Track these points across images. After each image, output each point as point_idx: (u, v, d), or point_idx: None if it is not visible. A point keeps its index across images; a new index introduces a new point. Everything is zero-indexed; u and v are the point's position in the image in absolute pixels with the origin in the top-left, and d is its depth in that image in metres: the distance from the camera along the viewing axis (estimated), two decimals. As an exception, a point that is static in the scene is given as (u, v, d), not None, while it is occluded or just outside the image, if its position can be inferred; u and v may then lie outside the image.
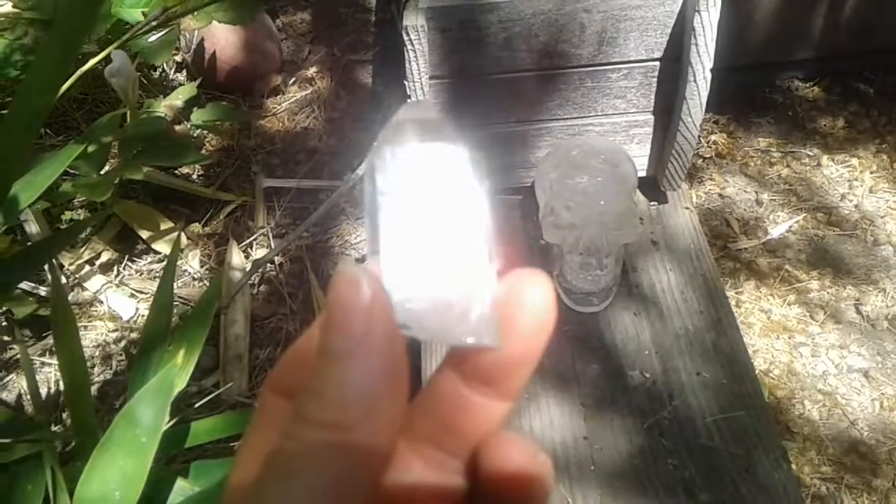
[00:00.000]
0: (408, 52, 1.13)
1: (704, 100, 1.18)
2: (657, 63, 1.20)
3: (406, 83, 1.17)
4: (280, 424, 0.22)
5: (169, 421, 0.89)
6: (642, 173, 1.33)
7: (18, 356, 1.40)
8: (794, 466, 1.25)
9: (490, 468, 0.24)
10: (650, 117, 1.27)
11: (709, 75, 1.15)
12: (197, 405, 1.25)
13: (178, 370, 0.76)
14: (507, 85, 1.23)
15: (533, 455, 0.24)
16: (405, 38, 1.11)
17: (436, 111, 0.25)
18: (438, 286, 0.23)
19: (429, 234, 0.24)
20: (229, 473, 0.24)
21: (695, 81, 1.15)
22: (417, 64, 1.14)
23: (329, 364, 0.21)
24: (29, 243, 1.43)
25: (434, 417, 0.25)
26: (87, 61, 1.13)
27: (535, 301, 0.24)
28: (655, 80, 1.22)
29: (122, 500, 0.65)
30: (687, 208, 1.35)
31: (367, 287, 0.22)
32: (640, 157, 1.31)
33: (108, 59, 1.20)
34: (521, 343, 0.23)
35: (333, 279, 0.22)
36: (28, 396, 1.34)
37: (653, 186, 1.36)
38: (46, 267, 1.44)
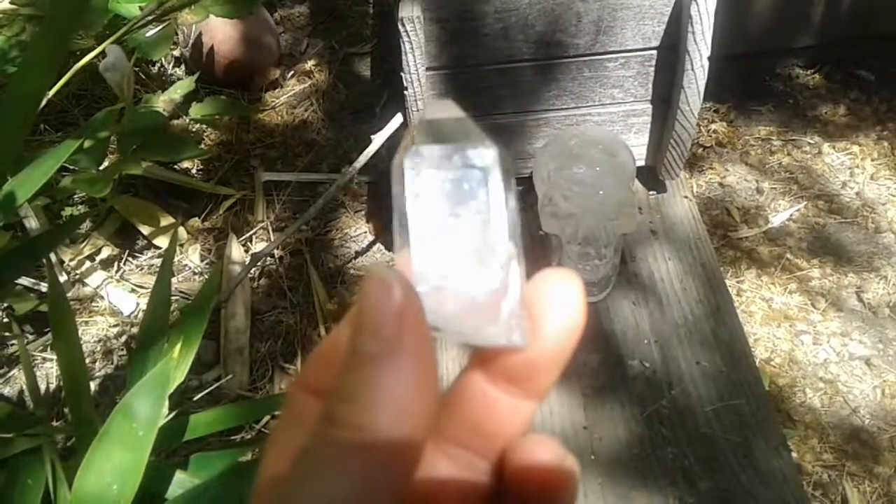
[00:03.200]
0: (404, 43, 1.12)
1: (702, 88, 1.17)
2: (654, 52, 1.20)
3: (402, 75, 1.16)
4: (309, 423, 0.22)
5: (168, 414, 0.89)
6: (641, 163, 1.33)
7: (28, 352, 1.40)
8: (795, 454, 1.25)
9: (517, 469, 0.24)
10: (648, 106, 1.27)
11: (706, 63, 1.14)
12: (198, 398, 1.25)
13: (175, 364, 0.76)
14: (504, 75, 1.23)
15: (561, 457, 0.24)
16: (401, 29, 1.11)
17: (461, 109, 0.25)
18: (467, 288, 0.23)
19: (457, 235, 0.23)
20: (258, 472, 0.24)
21: (692, 70, 1.15)
22: (413, 55, 1.14)
23: (359, 366, 0.21)
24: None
25: (460, 417, 0.25)
26: (84, 57, 1.13)
27: (564, 301, 0.23)
28: (653, 69, 1.22)
29: (120, 493, 0.65)
30: (686, 197, 1.35)
31: (399, 289, 0.21)
32: (638, 146, 1.31)
33: (104, 55, 1.20)
34: (549, 343, 0.23)
35: (364, 280, 0.22)
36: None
37: (651, 176, 1.36)
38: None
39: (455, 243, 0.23)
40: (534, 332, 0.23)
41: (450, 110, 0.25)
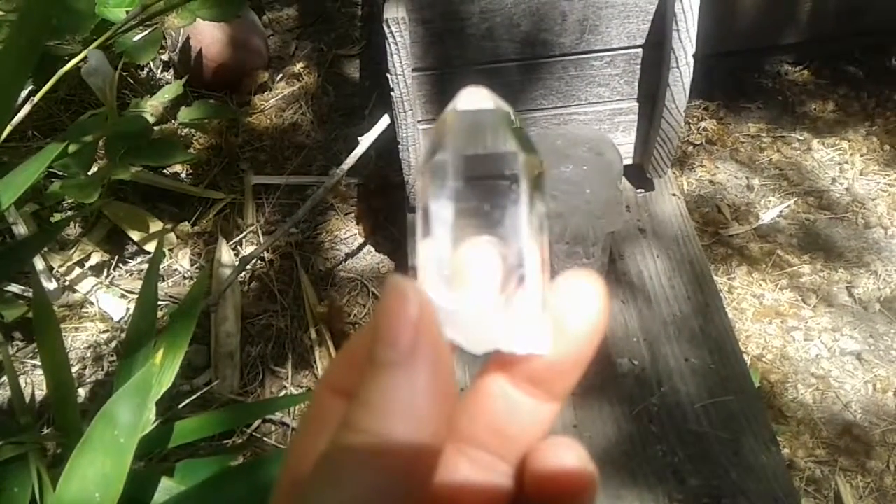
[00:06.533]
0: (389, 44, 1.12)
1: (688, 86, 1.17)
2: (640, 50, 1.20)
3: (388, 76, 1.16)
4: (332, 425, 0.23)
5: (156, 420, 0.89)
6: (628, 161, 1.33)
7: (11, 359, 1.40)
8: (787, 450, 1.25)
9: (540, 471, 0.24)
10: (634, 104, 1.27)
11: (691, 61, 1.14)
12: (186, 403, 1.25)
13: (158, 369, 0.76)
14: (490, 75, 1.23)
15: (585, 461, 0.24)
16: (386, 30, 1.11)
17: (495, 101, 0.24)
18: (488, 295, 0.23)
19: (479, 242, 0.23)
20: (280, 473, 0.25)
21: (678, 67, 1.15)
22: (399, 56, 1.13)
23: (377, 374, 0.22)
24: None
25: (480, 419, 0.25)
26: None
27: (586, 304, 0.24)
28: (639, 67, 1.22)
29: (103, 500, 0.65)
30: (674, 195, 1.35)
31: (415, 300, 0.22)
32: (625, 144, 1.31)
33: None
34: (571, 346, 0.23)
35: (382, 291, 0.22)
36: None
37: (639, 174, 1.36)
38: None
39: (476, 251, 0.23)
40: (556, 335, 0.23)
41: (482, 100, 0.24)
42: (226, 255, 1.55)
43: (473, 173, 0.24)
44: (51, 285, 1.50)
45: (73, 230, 1.62)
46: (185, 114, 1.63)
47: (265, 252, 1.56)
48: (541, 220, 0.24)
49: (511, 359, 0.24)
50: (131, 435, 0.66)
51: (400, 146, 1.24)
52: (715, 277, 1.42)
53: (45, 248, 1.53)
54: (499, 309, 0.23)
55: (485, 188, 0.24)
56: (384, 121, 1.34)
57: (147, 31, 1.51)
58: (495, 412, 0.24)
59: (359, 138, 1.38)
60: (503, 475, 0.25)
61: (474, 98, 0.24)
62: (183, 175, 1.75)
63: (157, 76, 1.93)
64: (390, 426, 0.21)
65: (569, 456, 0.24)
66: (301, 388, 1.39)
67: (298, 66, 1.98)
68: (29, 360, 1.43)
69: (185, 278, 1.57)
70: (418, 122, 1.24)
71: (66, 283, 1.54)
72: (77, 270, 1.56)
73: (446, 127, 0.24)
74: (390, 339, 0.22)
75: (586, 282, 0.24)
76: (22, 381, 1.37)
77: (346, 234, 1.62)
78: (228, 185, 1.72)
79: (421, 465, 0.22)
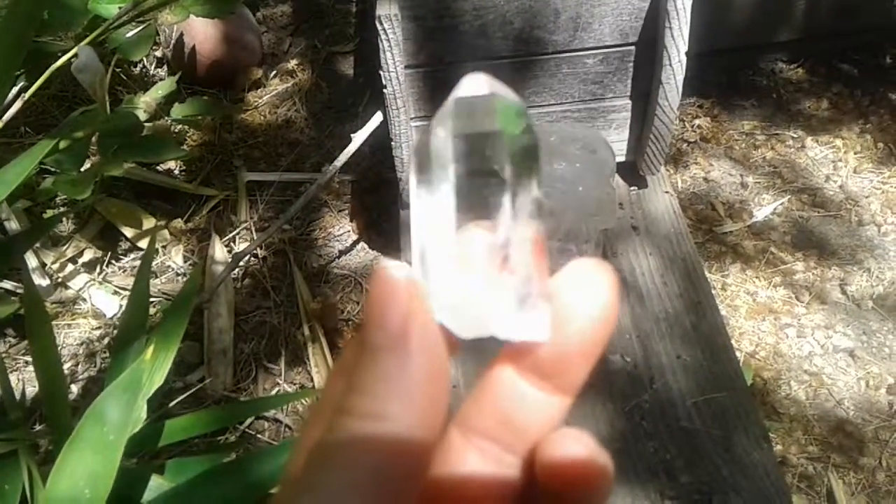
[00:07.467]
0: (381, 41, 1.12)
1: (681, 83, 1.17)
2: (633, 47, 1.20)
3: (381, 73, 1.16)
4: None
5: (147, 417, 0.88)
6: (621, 158, 1.33)
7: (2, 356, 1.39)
8: (780, 447, 1.26)
9: (549, 463, 0.24)
10: (628, 102, 1.27)
11: (684, 58, 1.14)
12: (179, 401, 1.25)
13: (149, 366, 0.76)
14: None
15: (595, 451, 0.23)
16: (378, 27, 1.10)
17: (492, 87, 0.24)
18: (481, 280, 0.23)
19: (472, 227, 0.23)
20: (288, 464, 0.25)
21: (670, 65, 1.15)
22: (392, 53, 1.13)
23: (368, 357, 0.22)
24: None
25: (490, 411, 0.25)
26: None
27: (593, 293, 0.23)
28: (631, 64, 1.22)
29: (93, 497, 0.65)
30: (667, 192, 1.35)
31: (404, 284, 0.22)
32: (618, 142, 1.31)
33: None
34: (577, 337, 0.23)
35: (372, 277, 0.23)
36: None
37: (632, 171, 1.36)
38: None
39: (469, 237, 0.23)
40: (561, 326, 0.23)
41: (480, 86, 0.24)
42: (219, 251, 1.55)
43: (466, 159, 0.23)
44: (43, 282, 1.50)
45: (66, 226, 1.61)
46: (178, 110, 1.62)
47: (258, 249, 1.55)
48: (534, 207, 0.24)
49: (517, 350, 0.24)
50: (121, 432, 0.66)
51: (393, 143, 1.24)
52: (708, 275, 1.42)
53: (38, 245, 1.53)
54: (492, 295, 0.23)
55: (477, 175, 0.23)
56: (377, 118, 1.34)
57: (140, 28, 1.51)
58: (504, 404, 0.24)
59: (352, 135, 1.38)
60: (511, 467, 0.25)
61: (473, 85, 0.24)
62: (176, 172, 1.75)
63: (151, 73, 1.93)
64: (384, 407, 0.21)
65: (578, 447, 0.23)
66: (294, 384, 1.39)
67: (292, 63, 1.97)
68: (21, 357, 1.42)
69: (178, 275, 1.57)
70: (411, 119, 1.24)
71: (59, 280, 1.53)
72: (70, 267, 1.56)
73: (443, 114, 0.24)
74: (380, 323, 0.22)
75: (595, 270, 0.23)
76: (14, 377, 1.37)
77: (340, 230, 1.62)
78: (222, 181, 1.72)
79: (414, 446, 0.21)
